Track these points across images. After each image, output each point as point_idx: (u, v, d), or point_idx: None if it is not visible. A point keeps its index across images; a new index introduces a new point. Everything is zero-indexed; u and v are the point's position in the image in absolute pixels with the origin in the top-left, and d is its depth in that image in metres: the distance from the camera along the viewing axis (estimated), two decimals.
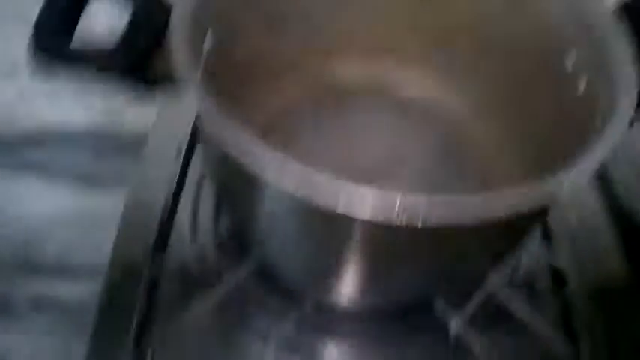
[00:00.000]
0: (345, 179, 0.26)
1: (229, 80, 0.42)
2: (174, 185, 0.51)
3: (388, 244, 0.31)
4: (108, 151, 0.70)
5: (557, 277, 0.45)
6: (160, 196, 0.51)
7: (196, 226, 0.48)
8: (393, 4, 0.46)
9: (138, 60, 0.34)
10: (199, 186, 0.51)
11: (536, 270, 0.46)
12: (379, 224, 0.27)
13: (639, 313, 0.44)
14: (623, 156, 0.52)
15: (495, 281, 0.42)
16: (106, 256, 0.47)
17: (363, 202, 0.26)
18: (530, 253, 0.46)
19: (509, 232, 0.34)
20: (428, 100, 0.50)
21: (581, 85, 0.36)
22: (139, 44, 0.35)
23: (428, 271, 0.35)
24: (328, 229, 0.30)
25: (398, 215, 0.25)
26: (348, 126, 0.49)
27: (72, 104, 0.69)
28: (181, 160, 0.53)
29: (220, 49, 0.39)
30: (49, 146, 0.71)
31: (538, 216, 0.36)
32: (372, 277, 0.35)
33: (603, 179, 0.52)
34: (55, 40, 0.31)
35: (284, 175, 0.27)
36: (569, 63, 0.37)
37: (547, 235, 0.48)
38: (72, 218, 0.65)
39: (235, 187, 0.35)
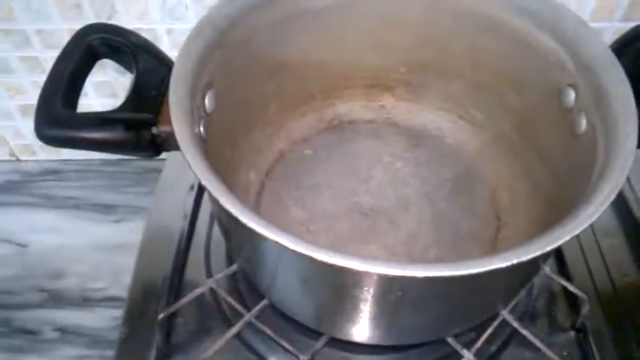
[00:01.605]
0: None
1: (234, 124, 0.43)
2: (189, 219, 0.53)
3: (398, 292, 0.31)
4: (124, 182, 0.72)
5: (572, 301, 0.45)
6: (175, 228, 0.53)
7: (210, 260, 0.49)
8: (392, 40, 0.46)
9: (144, 116, 0.35)
10: (212, 219, 0.52)
11: (550, 294, 0.46)
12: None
13: None
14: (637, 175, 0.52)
15: (508, 311, 0.41)
16: (125, 286, 0.50)
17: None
18: (544, 278, 0.45)
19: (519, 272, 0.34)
20: (434, 131, 0.50)
21: (583, 123, 0.35)
22: (145, 100, 0.36)
23: (439, 315, 0.35)
24: (332, 281, 0.31)
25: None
26: (358, 157, 0.50)
27: None
28: (194, 194, 0.55)
29: (223, 96, 0.40)
30: (67, 179, 0.73)
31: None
32: (384, 321, 0.36)
33: (618, 198, 0.51)
34: (59, 111, 0.32)
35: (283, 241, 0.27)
36: (570, 100, 0.37)
37: (561, 258, 0.47)
38: (91, 248, 0.67)
39: (239, 236, 0.36)
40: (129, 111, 0.34)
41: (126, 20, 0.59)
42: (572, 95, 0.37)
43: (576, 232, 0.27)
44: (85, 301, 0.63)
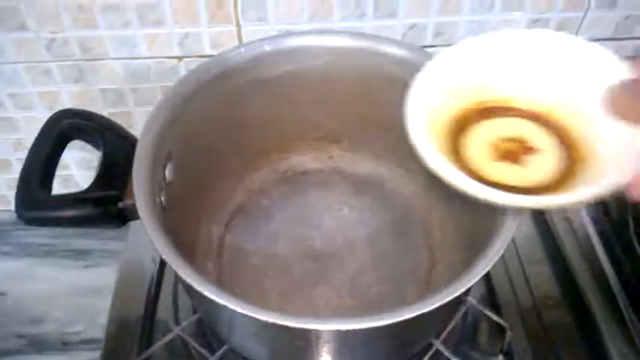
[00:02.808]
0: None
1: (195, 186, 0.49)
2: (158, 264, 0.57)
3: (329, 339, 0.37)
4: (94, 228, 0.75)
5: (500, 326, 0.50)
6: (147, 271, 0.57)
7: (177, 304, 0.54)
8: (334, 99, 0.52)
9: (111, 193, 0.40)
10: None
11: (481, 321, 0.52)
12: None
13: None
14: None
15: (441, 340, 0.47)
16: (101, 327, 0.53)
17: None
18: (473, 307, 0.50)
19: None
20: (376, 177, 0.56)
21: None
22: (111, 177, 0.41)
23: (375, 352, 0.41)
24: (277, 333, 0.36)
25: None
26: (310, 205, 0.56)
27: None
28: None
29: (183, 164, 0.45)
30: (40, 227, 0.76)
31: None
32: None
33: (545, 234, 0.58)
34: (36, 193, 0.37)
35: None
36: None
37: (490, 286, 0.53)
38: (67, 293, 0.70)
39: (198, 295, 0.41)
40: (98, 189, 0.39)
41: (93, 82, 0.64)
42: None
43: (464, 288, 0.33)
44: (64, 345, 0.66)
